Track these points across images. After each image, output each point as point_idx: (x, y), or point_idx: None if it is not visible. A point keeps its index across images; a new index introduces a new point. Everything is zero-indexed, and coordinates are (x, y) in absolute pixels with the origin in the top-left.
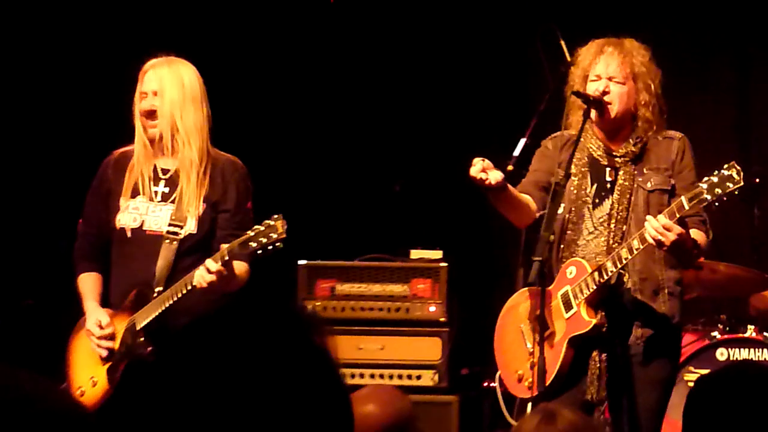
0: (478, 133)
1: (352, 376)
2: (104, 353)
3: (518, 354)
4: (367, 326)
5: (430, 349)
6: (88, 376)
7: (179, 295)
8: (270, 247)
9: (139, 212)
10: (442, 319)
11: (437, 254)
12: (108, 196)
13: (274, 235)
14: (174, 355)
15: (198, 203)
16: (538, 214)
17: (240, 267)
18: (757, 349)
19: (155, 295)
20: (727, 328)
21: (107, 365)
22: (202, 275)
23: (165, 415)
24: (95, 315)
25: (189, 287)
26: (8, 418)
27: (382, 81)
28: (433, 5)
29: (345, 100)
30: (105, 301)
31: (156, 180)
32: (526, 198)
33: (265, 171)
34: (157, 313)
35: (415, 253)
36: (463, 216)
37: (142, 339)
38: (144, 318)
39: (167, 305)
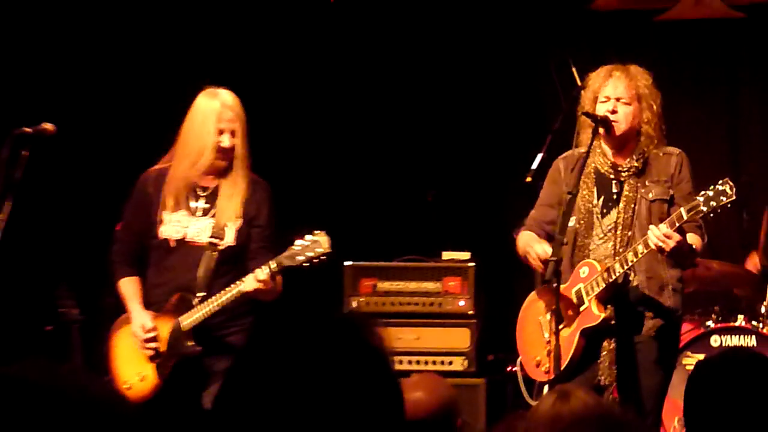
0: (501, 149)
1: (392, 362)
2: (150, 353)
3: (537, 343)
4: (405, 319)
5: (460, 338)
6: (135, 372)
7: (230, 300)
8: (316, 261)
9: (181, 224)
10: (471, 312)
11: (466, 255)
12: (149, 209)
13: (320, 250)
14: (251, 354)
15: (236, 218)
16: None
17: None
18: (745, 336)
19: (197, 300)
20: (720, 318)
21: (155, 363)
22: (252, 283)
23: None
24: (140, 318)
25: (238, 294)
26: (57, 411)
27: (416, 105)
28: (463, 35)
29: (384, 120)
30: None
31: (196, 196)
32: (537, 238)
33: (316, 183)
34: (204, 316)
35: (446, 255)
36: (489, 222)
37: (190, 339)
38: (190, 320)
39: (215, 308)
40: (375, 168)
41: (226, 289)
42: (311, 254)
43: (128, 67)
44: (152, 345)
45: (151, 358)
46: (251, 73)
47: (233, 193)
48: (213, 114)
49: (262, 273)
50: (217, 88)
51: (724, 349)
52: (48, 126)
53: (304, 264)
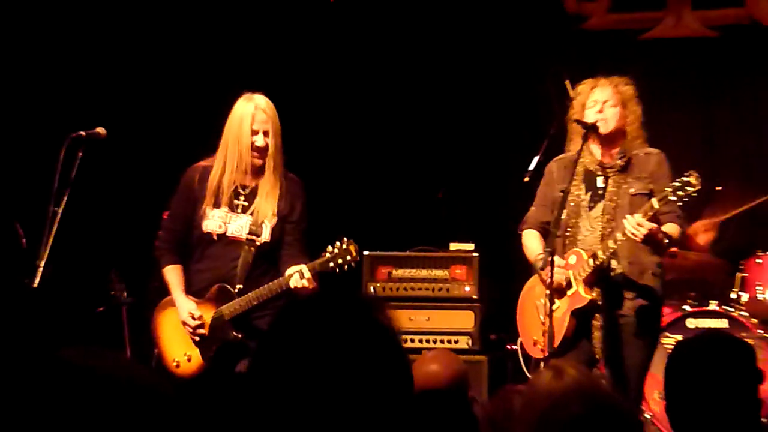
0: (503, 152)
1: (405, 341)
2: (197, 339)
3: (534, 324)
4: (416, 302)
5: (465, 319)
6: (183, 352)
7: (274, 294)
8: (346, 267)
9: (223, 220)
10: (475, 297)
11: (470, 246)
12: (195, 203)
13: (349, 257)
14: (277, 334)
15: (272, 216)
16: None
17: None
18: (718, 319)
19: (236, 291)
20: (695, 303)
21: (200, 346)
22: (298, 279)
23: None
24: (186, 307)
25: (284, 288)
26: (102, 394)
27: (428, 113)
28: (467, 53)
29: (401, 127)
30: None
31: (237, 195)
32: (539, 238)
33: (341, 184)
34: (245, 308)
35: (453, 246)
36: (491, 217)
37: (231, 328)
38: (231, 310)
39: (254, 301)
40: (392, 169)
41: (269, 284)
42: (341, 261)
43: (168, 76)
44: (200, 331)
45: (196, 342)
46: (268, 74)
47: (269, 192)
48: (248, 116)
49: (308, 272)
50: (254, 93)
51: (701, 331)
52: (100, 130)
53: (335, 270)
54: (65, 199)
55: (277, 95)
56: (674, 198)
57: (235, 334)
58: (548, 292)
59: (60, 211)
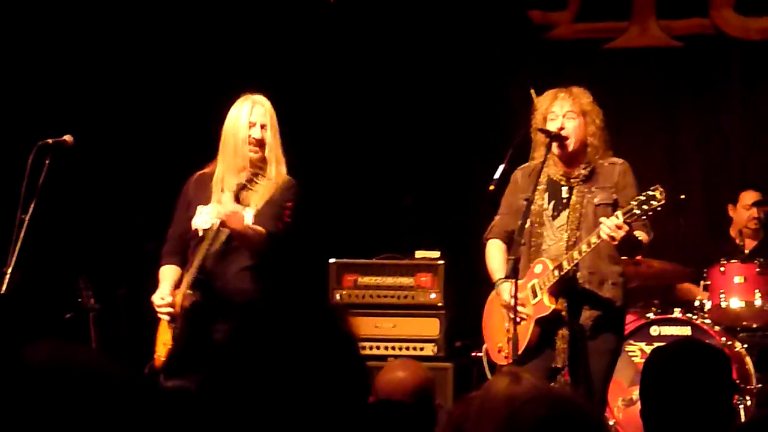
0: (468, 161)
1: (371, 348)
2: (167, 318)
3: (499, 331)
4: (382, 309)
5: (431, 327)
6: (162, 342)
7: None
8: (651, 212)
9: (210, 216)
10: (440, 304)
11: (436, 254)
12: (189, 210)
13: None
14: (237, 338)
15: (260, 202)
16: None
17: None
18: (681, 327)
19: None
20: (659, 311)
21: (171, 327)
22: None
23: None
24: (159, 290)
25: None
26: (77, 387)
27: (394, 122)
28: (431, 64)
29: (367, 136)
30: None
31: (239, 194)
32: (502, 249)
33: (306, 189)
34: (198, 270)
35: (419, 254)
36: (457, 225)
37: (189, 296)
38: (188, 279)
39: (204, 256)
40: (358, 177)
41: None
42: (646, 207)
43: (147, 81)
44: (166, 310)
45: (170, 323)
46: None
47: (265, 188)
48: (245, 110)
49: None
50: (253, 94)
51: (678, 339)
52: (67, 138)
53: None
54: (33, 206)
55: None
56: (638, 212)
57: (189, 295)
58: (513, 299)
59: (27, 218)
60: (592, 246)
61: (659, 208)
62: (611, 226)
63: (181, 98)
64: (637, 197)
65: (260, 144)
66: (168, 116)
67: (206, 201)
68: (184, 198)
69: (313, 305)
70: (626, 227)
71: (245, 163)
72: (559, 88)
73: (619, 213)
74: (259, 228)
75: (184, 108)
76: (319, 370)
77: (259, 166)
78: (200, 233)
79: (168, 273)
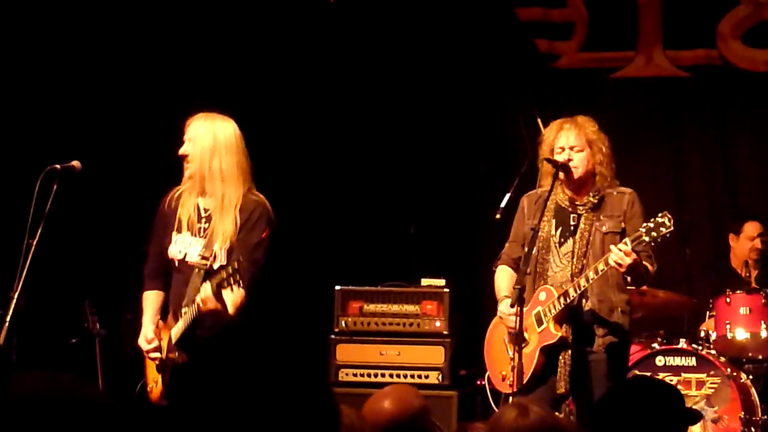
0: (475, 189)
1: (375, 375)
2: (156, 363)
3: (502, 359)
4: (387, 337)
5: (436, 354)
6: (153, 378)
7: (195, 313)
8: (660, 240)
9: (183, 245)
10: (445, 332)
11: (441, 282)
12: (165, 228)
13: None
14: (202, 365)
15: (227, 238)
16: None
17: None
18: (686, 357)
19: (183, 313)
20: (664, 341)
21: (160, 371)
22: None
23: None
24: (143, 332)
25: (196, 312)
26: (59, 412)
27: (402, 151)
28: (440, 93)
29: (373, 166)
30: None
31: (199, 217)
32: (510, 275)
33: (314, 219)
34: (186, 327)
35: (424, 281)
36: (462, 253)
37: (175, 351)
38: (176, 332)
39: (192, 317)
40: (364, 204)
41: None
42: (655, 234)
43: (146, 107)
44: (154, 355)
45: (157, 367)
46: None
47: (223, 215)
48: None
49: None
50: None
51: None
52: (75, 163)
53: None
54: (40, 231)
55: (246, 124)
56: (647, 239)
57: (175, 356)
58: (517, 328)
59: (34, 243)
60: (600, 273)
61: (668, 235)
62: (620, 253)
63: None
64: (645, 224)
65: (184, 159)
66: (173, 142)
67: (177, 225)
68: (161, 217)
69: (277, 329)
70: (634, 255)
71: (203, 188)
72: (564, 118)
73: (627, 240)
74: (238, 299)
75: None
76: (285, 401)
77: (202, 186)
78: (176, 264)
79: (149, 301)
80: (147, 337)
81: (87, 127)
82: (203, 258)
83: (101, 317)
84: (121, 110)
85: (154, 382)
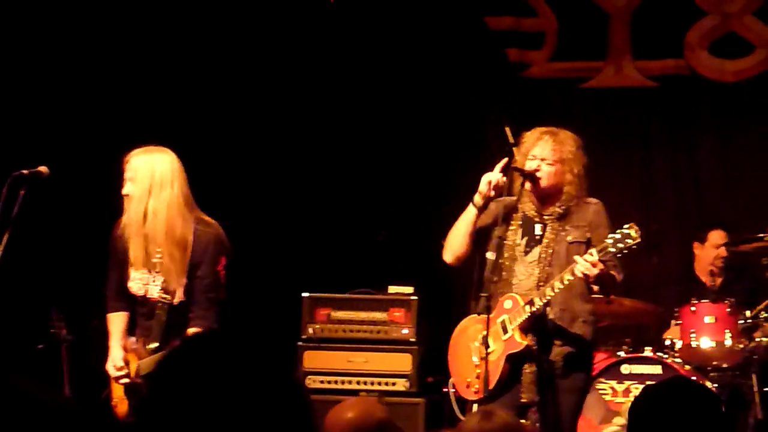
0: (442, 195)
1: (343, 382)
2: (124, 386)
3: (467, 366)
4: (355, 344)
5: (403, 362)
6: (117, 394)
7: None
8: (626, 251)
9: (143, 282)
10: (412, 340)
11: (409, 290)
12: (122, 264)
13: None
14: (168, 374)
15: (182, 275)
16: (467, 254)
17: None
18: (652, 365)
19: (152, 348)
20: (630, 349)
21: (127, 395)
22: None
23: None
24: (112, 357)
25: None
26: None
27: (369, 159)
28: (410, 101)
29: (341, 172)
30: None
31: (151, 254)
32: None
33: (281, 224)
34: (153, 365)
35: (392, 289)
36: (430, 261)
37: (143, 386)
38: (145, 367)
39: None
40: (332, 211)
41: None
42: (621, 246)
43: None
44: (123, 380)
45: (125, 390)
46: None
47: (175, 252)
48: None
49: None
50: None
51: (669, 378)
52: (42, 169)
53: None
54: (6, 237)
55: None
56: (613, 250)
57: (144, 385)
58: (485, 335)
59: (1, 249)
60: (566, 283)
61: (634, 247)
62: (586, 264)
63: (160, 133)
64: (611, 235)
65: (126, 198)
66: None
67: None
68: (114, 249)
69: (252, 340)
70: (601, 265)
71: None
72: (549, 128)
73: (593, 250)
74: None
75: (166, 142)
76: (261, 412)
77: (151, 224)
78: (138, 299)
79: (115, 324)
80: (116, 364)
81: (55, 132)
82: (165, 292)
83: (68, 323)
84: (88, 114)
85: (119, 398)
